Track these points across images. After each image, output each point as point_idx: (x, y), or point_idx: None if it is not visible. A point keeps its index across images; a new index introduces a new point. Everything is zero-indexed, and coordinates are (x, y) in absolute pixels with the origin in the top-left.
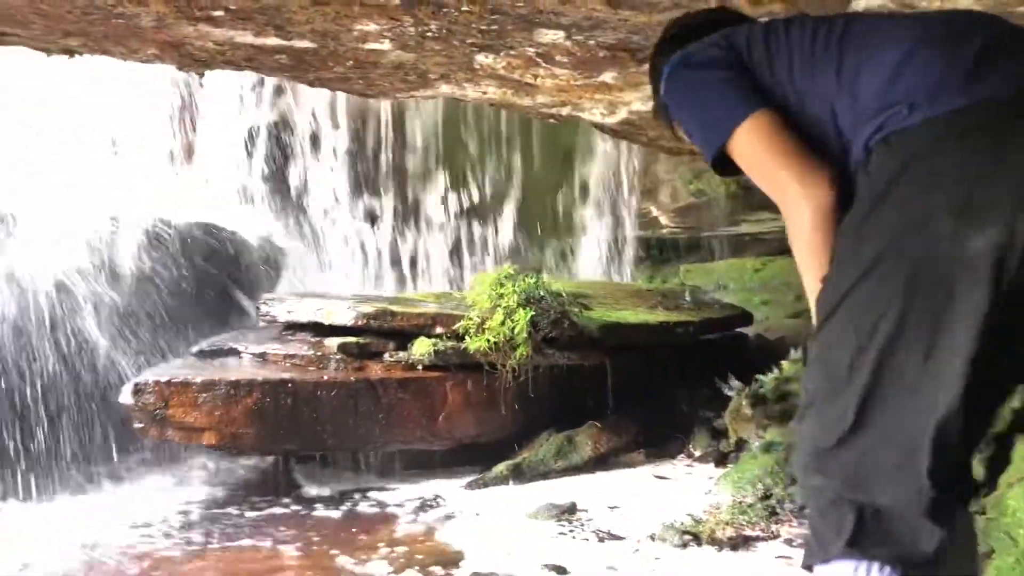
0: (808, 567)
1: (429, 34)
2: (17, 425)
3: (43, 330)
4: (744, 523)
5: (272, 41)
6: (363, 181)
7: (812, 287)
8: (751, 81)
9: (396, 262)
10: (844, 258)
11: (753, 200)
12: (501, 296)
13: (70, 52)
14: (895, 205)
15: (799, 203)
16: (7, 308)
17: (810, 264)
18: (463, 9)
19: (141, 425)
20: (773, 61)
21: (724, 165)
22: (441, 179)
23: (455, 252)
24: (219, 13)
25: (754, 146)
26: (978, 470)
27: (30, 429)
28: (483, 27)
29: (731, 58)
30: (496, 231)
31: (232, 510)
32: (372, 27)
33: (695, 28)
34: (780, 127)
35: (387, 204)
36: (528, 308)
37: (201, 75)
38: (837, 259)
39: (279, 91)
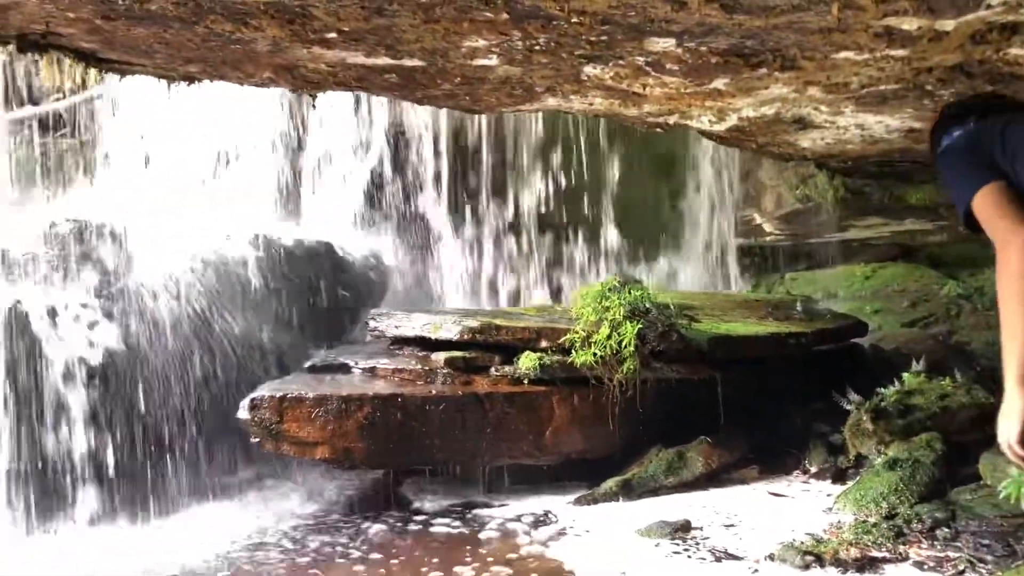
0: None
1: (537, 48)
2: (140, 443)
3: (160, 347)
4: (869, 544)
5: (382, 61)
6: (463, 194)
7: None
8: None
9: (496, 273)
10: None
11: (864, 205)
12: (607, 309)
13: (190, 79)
14: None
15: (1011, 240)
16: (127, 327)
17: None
18: (573, 21)
19: (258, 439)
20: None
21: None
22: (540, 191)
23: (554, 263)
24: (332, 35)
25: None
26: None
27: (153, 446)
28: (592, 38)
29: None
30: (595, 241)
31: (342, 524)
32: (481, 43)
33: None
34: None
35: (487, 215)
36: (635, 321)
37: (313, 97)
38: None
39: (381, 107)
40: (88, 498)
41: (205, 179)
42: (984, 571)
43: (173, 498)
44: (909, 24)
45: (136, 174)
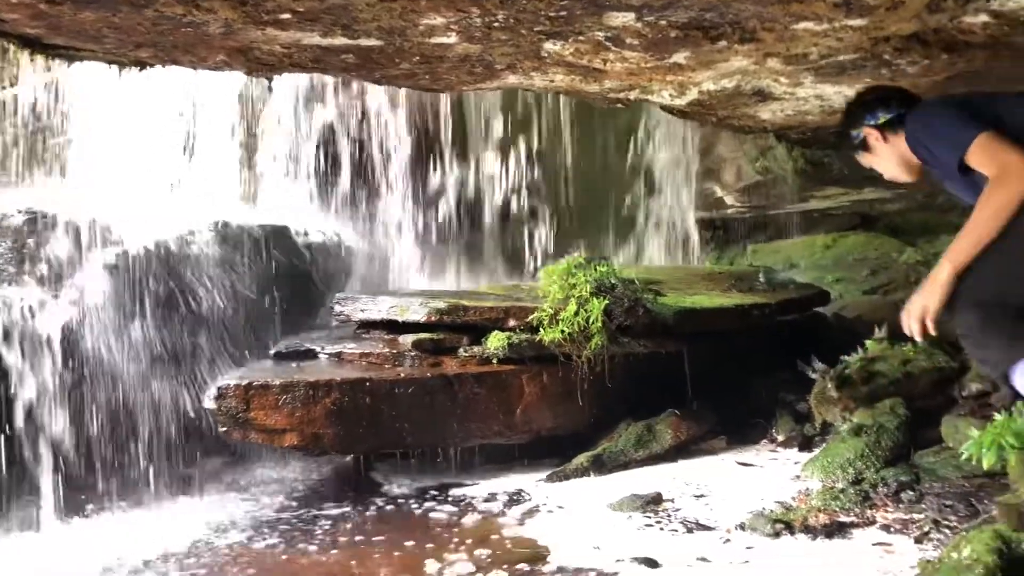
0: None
1: (496, 24)
2: (97, 433)
3: (121, 334)
4: (837, 509)
5: (339, 41)
6: (425, 175)
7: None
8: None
9: (461, 254)
10: None
11: (823, 175)
12: (573, 286)
13: (141, 64)
14: None
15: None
16: (84, 319)
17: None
18: None
19: (225, 428)
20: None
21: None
22: (501, 170)
23: (519, 242)
24: (286, 16)
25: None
26: None
27: (112, 438)
28: (551, 14)
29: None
30: (557, 219)
31: (313, 512)
32: (439, 20)
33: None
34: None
35: (449, 196)
36: (601, 297)
37: (269, 80)
38: None
39: (337, 91)
40: (49, 492)
41: (163, 165)
42: (948, 531)
43: (140, 490)
44: None
45: (94, 163)
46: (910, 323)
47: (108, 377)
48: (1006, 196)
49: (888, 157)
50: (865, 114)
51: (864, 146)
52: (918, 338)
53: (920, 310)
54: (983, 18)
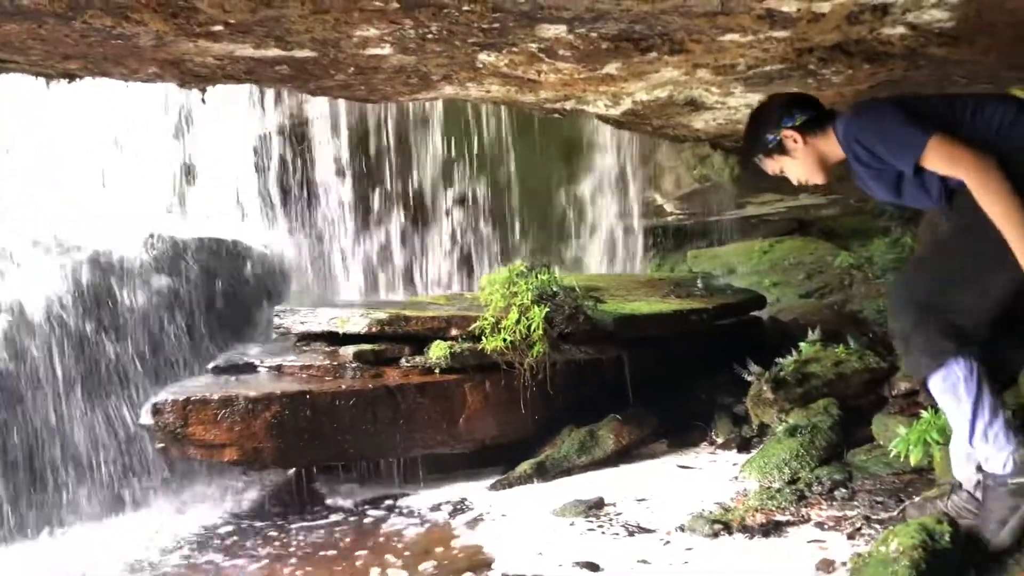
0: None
1: (430, 36)
2: (31, 452)
3: (52, 351)
4: (773, 508)
5: (272, 52)
6: (366, 185)
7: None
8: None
9: (404, 266)
10: None
11: (758, 183)
12: (515, 294)
13: (70, 76)
14: None
15: (980, 164)
16: (14, 331)
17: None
18: (464, 9)
19: (162, 445)
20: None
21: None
22: (443, 179)
23: (461, 253)
24: (218, 28)
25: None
26: None
27: (47, 456)
28: (484, 26)
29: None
30: (501, 229)
31: (256, 526)
32: (372, 32)
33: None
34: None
35: (391, 207)
36: (542, 304)
37: (203, 91)
38: None
39: (279, 100)
40: None
41: (94, 179)
42: (878, 526)
43: (77, 509)
44: (788, 6)
45: (25, 174)
46: None
47: (39, 394)
48: (992, 185)
49: (804, 159)
50: (782, 117)
51: (779, 149)
52: None
53: None
54: (900, 30)
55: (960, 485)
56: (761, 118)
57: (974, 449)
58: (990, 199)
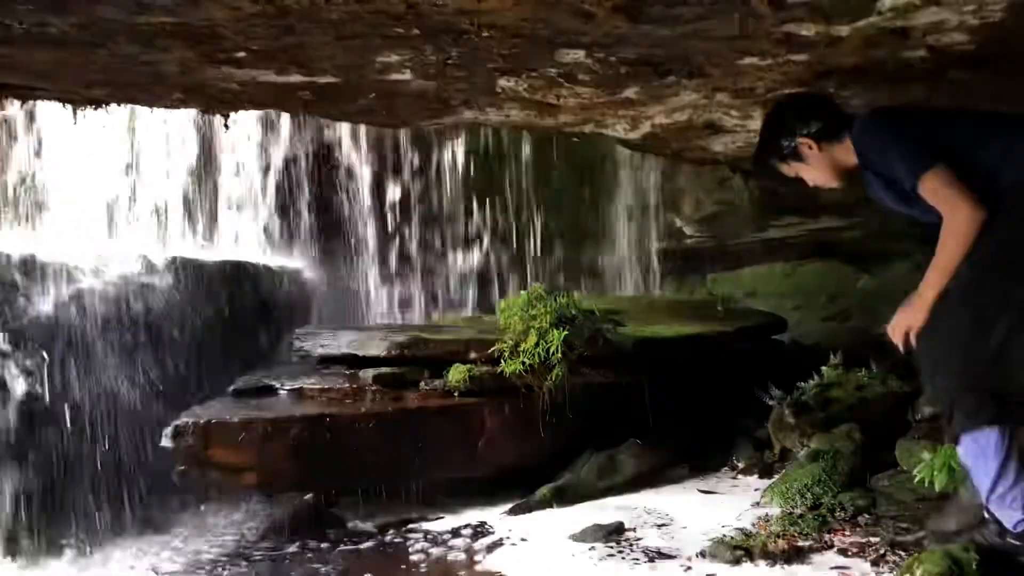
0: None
1: (450, 61)
2: (55, 475)
3: (77, 375)
4: (796, 534)
5: (295, 78)
6: (388, 210)
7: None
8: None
9: (424, 287)
10: None
11: (779, 204)
12: (533, 318)
13: (96, 103)
14: None
15: (961, 207)
16: (41, 359)
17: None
18: (484, 35)
19: (183, 467)
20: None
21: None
22: (463, 201)
23: (483, 276)
24: (242, 54)
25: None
26: None
27: (72, 478)
28: (504, 51)
29: None
30: (522, 251)
31: (276, 549)
32: (394, 58)
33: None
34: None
35: (413, 229)
36: (561, 328)
37: (226, 117)
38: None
39: (300, 127)
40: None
41: (115, 203)
42: (903, 553)
43: (99, 532)
44: (807, 30)
45: (45, 199)
46: (895, 336)
47: (63, 417)
48: (960, 233)
49: (819, 165)
50: (797, 124)
51: (794, 156)
52: (901, 349)
53: (905, 326)
54: (921, 53)
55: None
56: (777, 123)
57: (990, 507)
58: (950, 247)
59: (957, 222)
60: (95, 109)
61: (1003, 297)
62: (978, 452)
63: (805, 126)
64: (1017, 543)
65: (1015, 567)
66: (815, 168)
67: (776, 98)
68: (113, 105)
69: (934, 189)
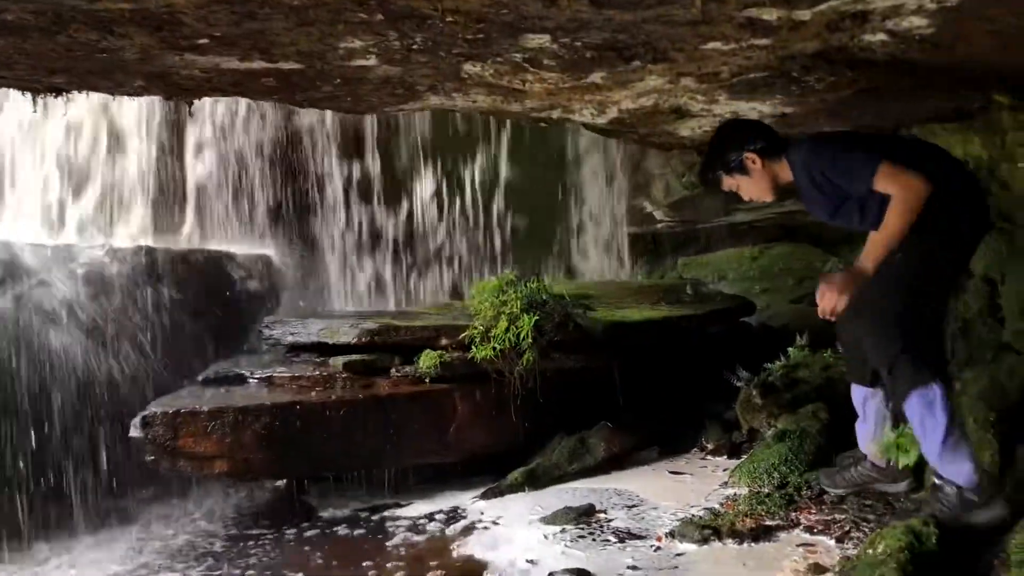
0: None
1: (415, 47)
2: (21, 467)
3: (38, 365)
4: (763, 513)
5: (258, 65)
6: (356, 194)
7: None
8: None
9: (394, 275)
10: None
11: (713, 196)
12: (504, 303)
13: (57, 90)
14: None
15: (913, 185)
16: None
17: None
18: (448, 20)
19: (153, 457)
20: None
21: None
22: (433, 188)
23: (452, 261)
24: (204, 41)
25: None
26: (992, 442)
27: (37, 470)
28: (468, 36)
29: None
30: (492, 237)
31: (248, 538)
32: (357, 44)
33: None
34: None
35: (382, 217)
36: (532, 313)
37: (189, 104)
38: None
39: (265, 111)
40: None
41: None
42: (867, 529)
43: (69, 522)
44: (769, 14)
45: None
46: (826, 303)
47: (31, 407)
48: (911, 205)
49: (760, 179)
50: (747, 140)
51: (740, 168)
52: (831, 317)
53: (833, 298)
54: (881, 37)
55: (865, 457)
56: (727, 139)
57: (942, 466)
58: (900, 220)
59: (911, 195)
60: (56, 97)
61: (936, 276)
62: (926, 406)
63: (752, 143)
64: (973, 497)
65: (972, 537)
66: (756, 182)
67: (721, 121)
68: (73, 92)
69: (889, 175)
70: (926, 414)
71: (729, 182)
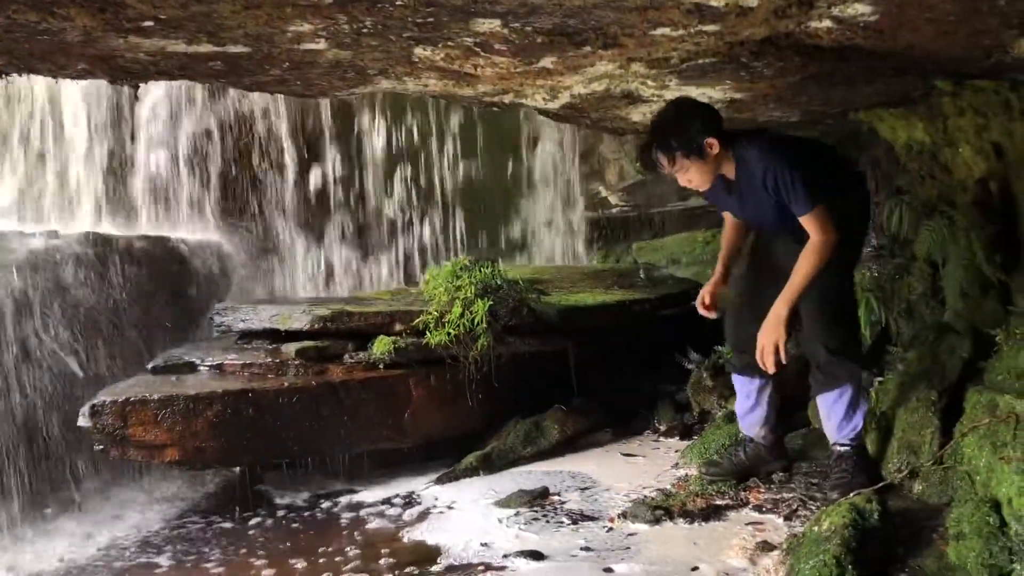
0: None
1: (364, 30)
2: None
3: None
4: (713, 493)
5: (205, 48)
6: (310, 179)
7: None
8: None
9: (348, 261)
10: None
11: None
12: (458, 288)
13: None
14: None
15: (831, 238)
16: None
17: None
18: (397, 3)
19: (102, 447)
20: None
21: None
22: (387, 173)
23: (407, 247)
24: (149, 23)
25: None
26: (933, 421)
27: None
28: (419, 20)
29: None
30: (446, 223)
31: (200, 525)
32: (306, 27)
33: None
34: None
35: (336, 201)
36: (486, 298)
37: (136, 88)
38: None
39: (215, 96)
40: None
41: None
42: (814, 507)
43: (17, 513)
44: (716, 1)
45: None
46: (767, 360)
47: None
48: (824, 256)
49: (709, 166)
50: (710, 122)
51: (699, 152)
52: (773, 370)
53: (773, 346)
54: (827, 23)
55: (751, 439)
56: (689, 117)
57: (856, 434)
58: (814, 261)
59: (826, 245)
60: None
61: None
62: (864, 389)
63: (714, 126)
64: (853, 444)
65: (913, 513)
66: (705, 167)
67: (682, 97)
68: (14, 74)
69: (818, 218)
70: (864, 393)
71: (680, 163)
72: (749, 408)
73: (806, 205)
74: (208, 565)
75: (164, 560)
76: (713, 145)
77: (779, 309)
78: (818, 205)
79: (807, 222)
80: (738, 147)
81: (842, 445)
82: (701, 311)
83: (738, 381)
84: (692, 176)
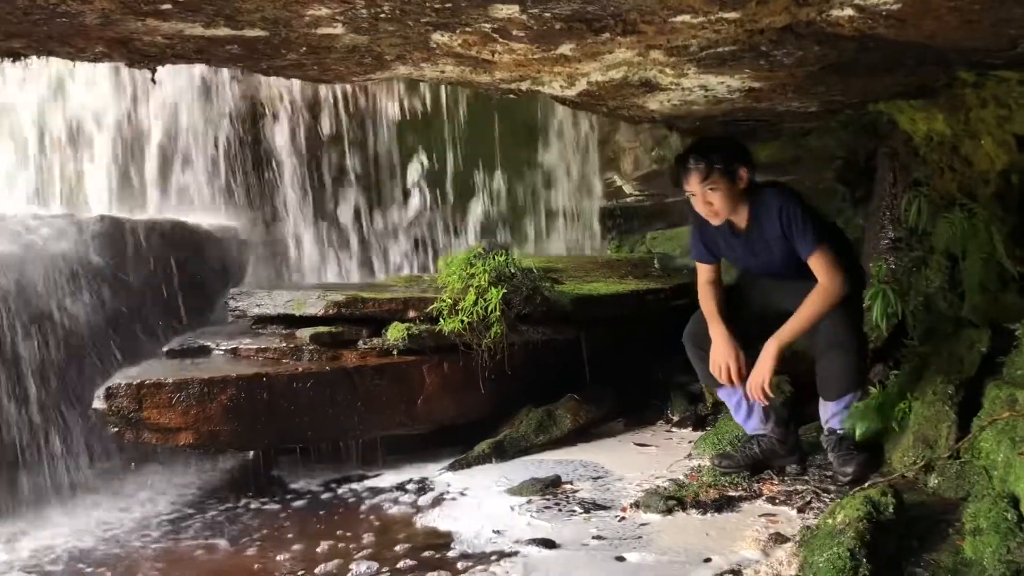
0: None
1: (382, 15)
2: None
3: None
4: (726, 484)
5: (222, 32)
6: (325, 165)
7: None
8: None
9: (364, 247)
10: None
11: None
12: (472, 276)
13: (14, 55)
14: None
15: (837, 281)
16: None
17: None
18: None
19: (116, 429)
20: None
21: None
22: (402, 161)
23: (421, 235)
24: (167, 6)
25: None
26: (950, 414)
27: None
28: (436, 5)
29: None
30: (462, 211)
31: (216, 510)
32: (324, 11)
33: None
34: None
35: (351, 188)
36: (500, 286)
37: (152, 71)
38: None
39: (234, 80)
40: None
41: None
42: (828, 500)
43: (25, 500)
44: None
45: None
46: (755, 393)
47: None
48: (828, 302)
49: (733, 197)
50: (748, 161)
51: (731, 177)
52: (764, 403)
53: (760, 381)
54: (848, 12)
55: (764, 435)
56: (733, 145)
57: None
58: (819, 304)
59: (835, 287)
60: (13, 62)
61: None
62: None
63: (751, 165)
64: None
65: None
66: (731, 195)
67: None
68: (32, 57)
69: (824, 259)
70: (846, 403)
71: (713, 180)
72: (745, 415)
73: (813, 243)
74: (220, 550)
75: (171, 543)
76: (743, 177)
77: (772, 347)
78: (823, 243)
79: (814, 263)
80: (756, 195)
81: (841, 428)
82: (734, 386)
83: (723, 394)
84: (715, 199)
